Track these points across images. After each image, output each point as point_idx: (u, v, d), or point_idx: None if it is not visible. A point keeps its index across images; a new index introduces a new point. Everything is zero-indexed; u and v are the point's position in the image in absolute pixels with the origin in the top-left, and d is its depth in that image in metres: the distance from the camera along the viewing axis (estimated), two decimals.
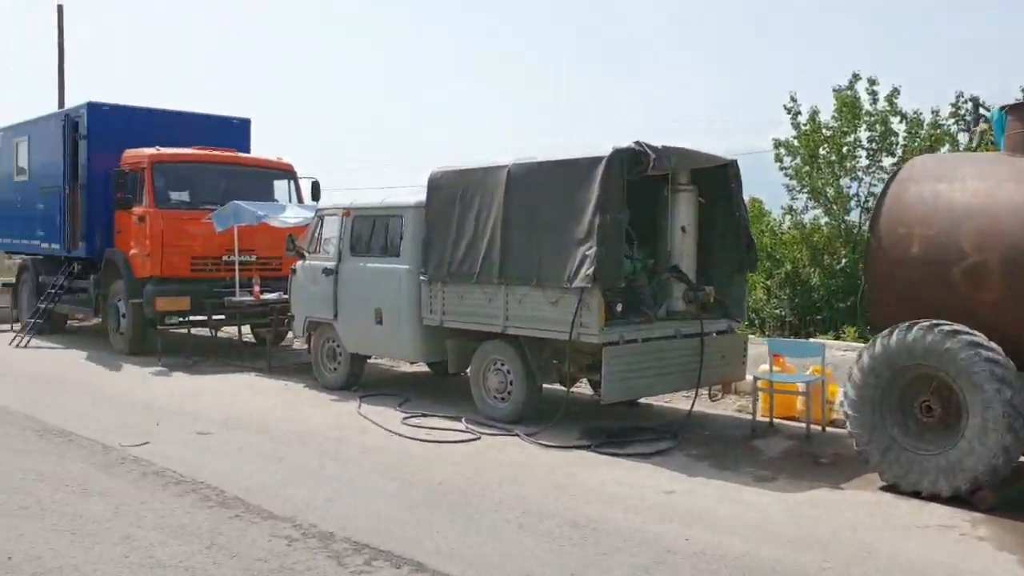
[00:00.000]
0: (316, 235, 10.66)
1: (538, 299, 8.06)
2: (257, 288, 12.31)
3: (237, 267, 12.70)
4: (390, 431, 8.09)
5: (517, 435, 7.95)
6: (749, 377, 9.15)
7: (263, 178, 14.38)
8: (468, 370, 9.10)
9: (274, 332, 12.04)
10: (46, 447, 7.38)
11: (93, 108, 14.17)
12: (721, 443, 7.88)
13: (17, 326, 15.61)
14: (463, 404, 9.13)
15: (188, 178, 13.76)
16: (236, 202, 12.26)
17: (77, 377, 11.22)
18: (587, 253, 7.64)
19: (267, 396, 10.01)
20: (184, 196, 13.55)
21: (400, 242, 9.46)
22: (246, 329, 14.09)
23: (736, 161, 9.06)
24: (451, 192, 8.92)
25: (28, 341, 14.29)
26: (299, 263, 10.84)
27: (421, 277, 9.12)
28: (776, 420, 8.65)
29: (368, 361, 10.70)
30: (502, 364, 8.56)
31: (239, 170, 14.11)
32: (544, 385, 8.64)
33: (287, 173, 14.55)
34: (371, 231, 9.87)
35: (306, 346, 11.13)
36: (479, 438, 7.88)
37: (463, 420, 8.44)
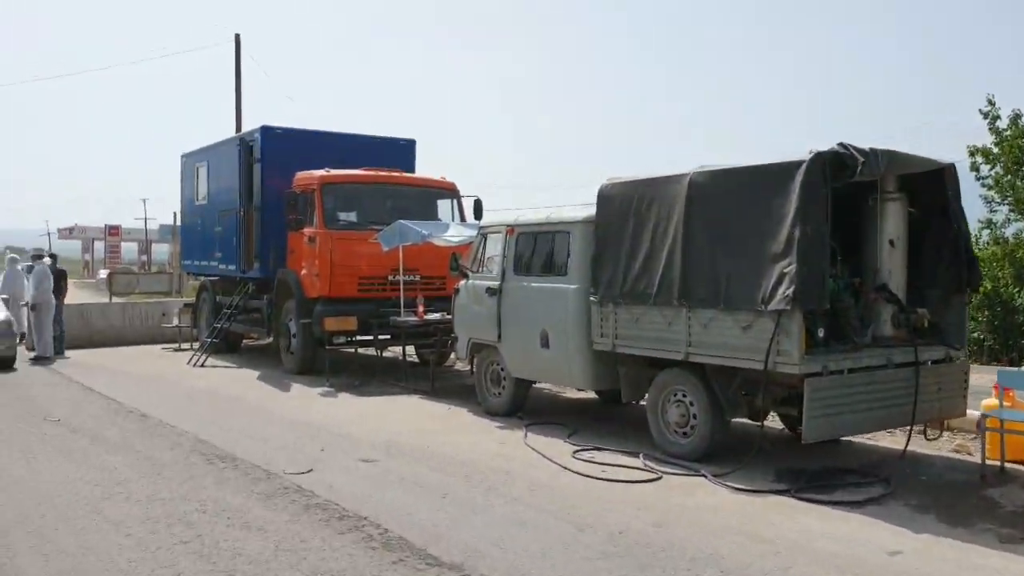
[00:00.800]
0: (479, 254, 10.24)
1: (726, 323, 7.21)
2: (421, 308, 12.06)
3: (402, 287, 12.51)
4: (561, 465, 7.45)
5: (703, 475, 7.11)
6: (972, 413, 7.91)
7: (427, 197, 14.22)
8: (643, 400, 8.35)
9: (437, 353, 11.72)
10: (211, 473, 7.22)
11: (266, 131, 14.48)
12: (945, 491, 6.73)
13: (197, 345, 16.18)
14: (638, 437, 8.38)
15: (356, 198, 13.77)
16: (401, 221, 12.08)
17: (248, 397, 11.29)
18: (785, 271, 6.73)
19: (430, 420, 9.63)
20: (352, 216, 13.56)
21: (568, 260, 8.85)
22: (410, 349, 13.93)
23: (954, 165, 7.89)
24: (624, 205, 8.23)
25: (204, 360, 14.72)
26: (462, 283, 10.44)
27: (591, 298, 8.47)
28: (1008, 464, 7.36)
29: (533, 385, 10.15)
30: (683, 395, 7.75)
31: (404, 190, 14.01)
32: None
33: (450, 192, 14.33)
34: (536, 249, 9.32)
35: (469, 367, 10.72)
36: (660, 477, 7.10)
37: (641, 456, 7.68)
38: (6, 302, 15.51)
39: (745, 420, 8.03)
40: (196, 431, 8.95)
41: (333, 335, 12.56)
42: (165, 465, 7.48)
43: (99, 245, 78.94)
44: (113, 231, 76.49)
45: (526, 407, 9.86)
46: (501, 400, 9.83)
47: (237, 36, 21.60)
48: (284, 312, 13.83)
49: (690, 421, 7.71)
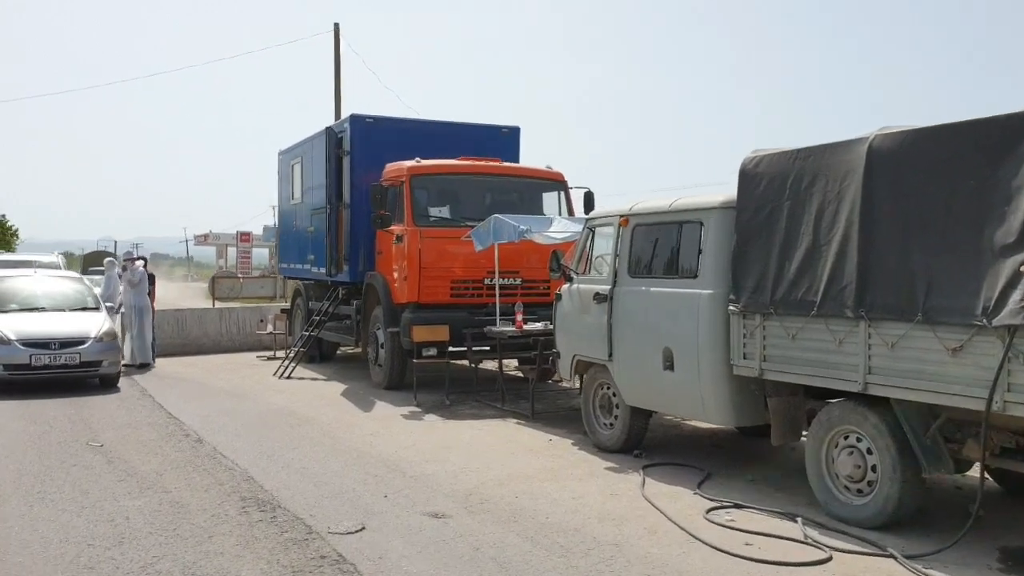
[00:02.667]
0: (586, 251, 8.42)
1: (925, 343, 5.14)
2: (520, 316, 10.34)
3: (497, 291, 10.85)
4: (690, 533, 5.53)
5: (892, 556, 5.07)
6: None
7: (531, 189, 12.51)
8: (803, 440, 6.35)
9: (538, 370, 9.93)
10: (239, 528, 5.69)
11: (355, 121, 13.12)
12: None
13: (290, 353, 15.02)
14: (792, 488, 6.40)
15: (449, 192, 12.27)
16: (496, 216, 10.41)
17: (323, 418, 9.86)
18: (1022, 270, 4.63)
19: (526, 456, 7.86)
20: (444, 212, 12.03)
21: (699, 257, 6.91)
22: (512, 362, 12.29)
23: None
24: (775, 184, 6.24)
25: (291, 371, 13.50)
26: (565, 287, 8.65)
27: (730, 306, 6.51)
28: None
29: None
30: (859, 439, 5.70)
31: (504, 181, 12.35)
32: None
33: (557, 183, 12.56)
34: (658, 244, 7.43)
35: (576, 386, 8.92)
36: (830, 557, 5.09)
37: (799, 522, 5.68)
38: (110, 311, 14.64)
39: (946, 475, 5.89)
40: (248, 465, 7.53)
41: (422, 346, 11.01)
42: (189, 514, 6.01)
43: (232, 251, 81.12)
44: (244, 237, 78.36)
45: (644, 442, 7.98)
46: (613, 433, 7.97)
47: (336, 25, 20.53)
48: (372, 320, 12.42)
49: (867, 475, 5.66)
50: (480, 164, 12.09)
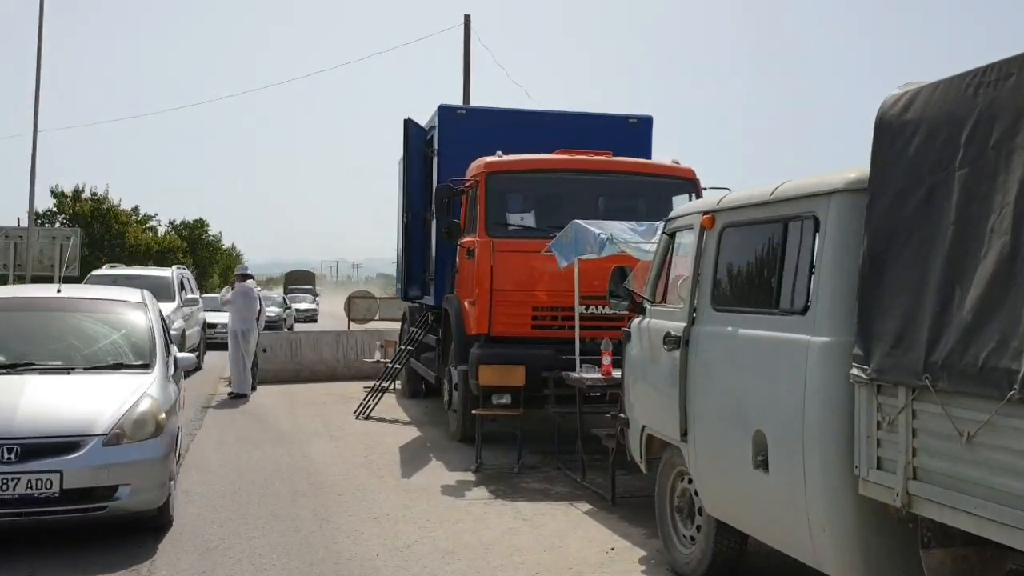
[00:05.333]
0: (665, 269, 5.66)
1: None
2: (608, 359, 7.64)
3: (577, 323, 8.21)
4: None
5: None
6: None
7: (653, 191, 9.74)
8: None
9: (617, 437, 7.11)
10: None
11: (445, 113, 11.03)
12: None
13: (398, 384, 13.12)
14: None
15: (545, 195, 9.77)
16: (576, 221, 7.81)
17: (343, 483, 7.65)
18: None
19: None
20: (531, 219, 9.53)
21: (811, 279, 4.02)
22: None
23: None
24: (939, 140, 3.28)
25: (371, 410, 11.52)
26: (635, 321, 5.93)
27: (854, 369, 3.58)
28: None
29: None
30: None
31: (614, 180, 9.69)
32: None
33: (685, 182, 9.71)
34: (754, 256, 4.57)
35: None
36: None
37: None
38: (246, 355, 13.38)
39: None
40: (166, 566, 5.45)
41: (491, 391, 8.57)
42: None
43: None
44: None
45: (739, 572, 5.07)
46: (692, 553, 5.11)
47: (467, 17, 18.65)
48: (450, 354, 10.14)
49: None
50: (578, 159, 9.46)
